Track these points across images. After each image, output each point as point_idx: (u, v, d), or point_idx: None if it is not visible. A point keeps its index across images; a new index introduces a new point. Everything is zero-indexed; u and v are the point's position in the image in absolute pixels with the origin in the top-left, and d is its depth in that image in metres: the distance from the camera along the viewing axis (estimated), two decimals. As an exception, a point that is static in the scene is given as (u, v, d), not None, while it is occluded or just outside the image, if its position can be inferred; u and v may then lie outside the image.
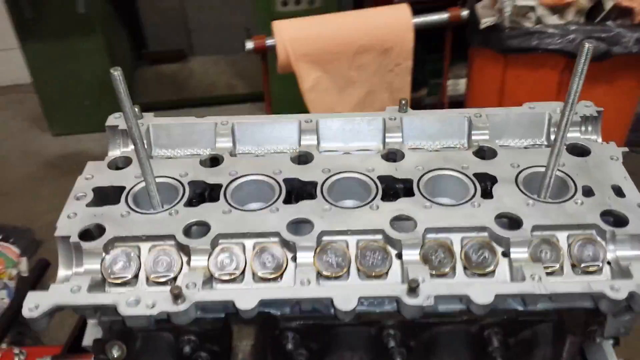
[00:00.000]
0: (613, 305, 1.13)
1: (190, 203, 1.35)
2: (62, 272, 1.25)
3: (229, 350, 1.29)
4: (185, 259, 1.24)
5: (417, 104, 3.24)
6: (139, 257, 1.25)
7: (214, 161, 1.47)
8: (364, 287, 1.17)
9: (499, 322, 1.28)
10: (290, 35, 3.23)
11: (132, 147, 1.51)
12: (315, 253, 1.22)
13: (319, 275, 1.21)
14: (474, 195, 1.32)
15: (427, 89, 5.17)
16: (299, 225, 1.28)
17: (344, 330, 1.30)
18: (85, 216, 1.29)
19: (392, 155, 1.46)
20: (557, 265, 1.21)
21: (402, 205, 1.30)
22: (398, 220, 1.27)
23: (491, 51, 3.46)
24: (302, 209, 1.30)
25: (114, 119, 1.55)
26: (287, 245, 1.24)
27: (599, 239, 1.23)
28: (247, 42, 3.33)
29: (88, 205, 1.32)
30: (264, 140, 1.53)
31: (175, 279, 1.23)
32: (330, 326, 1.29)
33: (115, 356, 1.25)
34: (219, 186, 1.37)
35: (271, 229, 1.25)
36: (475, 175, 1.37)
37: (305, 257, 1.23)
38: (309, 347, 1.31)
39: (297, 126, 1.52)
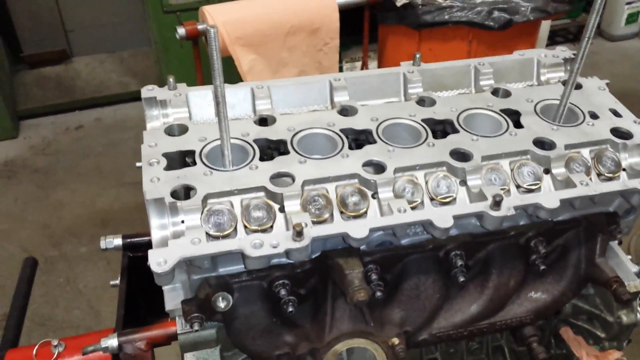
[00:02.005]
0: (645, 200, 1.39)
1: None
2: (157, 233, 1.27)
3: (317, 289, 1.39)
4: (277, 206, 1.32)
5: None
6: (233, 210, 1.30)
7: (264, 122, 1.55)
8: (455, 209, 1.32)
9: (539, 233, 1.50)
10: (224, 19, 3.27)
11: (173, 116, 1.54)
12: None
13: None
14: (507, 128, 1.52)
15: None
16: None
17: (415, 258, 1.45)
18: (168, 179, 1.32)
19: (422, 103, 1.63)
20: (589, 175, 1.46)
21: (456, 141, 1.47)
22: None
23: (406, 28, 3.75)
24: (369, 152, 1.43)
25: (148, 91, 1.56)
26: (366, 183, 1.37)
27: (613, 150, 1.50)
28: (178, 28, 3.31)
29: (166, 169, 1.35)
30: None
31: (272, 226, 1.30)
32: (404, 254, 1.43)
33: (222, 306, 1.30)
34: (283, 142, 1.46)
35: (348, 171, 1.37)
36: (501, 111, 1.58)
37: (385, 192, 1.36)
38: (384, 278, 1.45)
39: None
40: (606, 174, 1.47)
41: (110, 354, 1.51)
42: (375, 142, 1.47)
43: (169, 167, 1.37)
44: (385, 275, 1.44)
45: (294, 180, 1.34)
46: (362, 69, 4.16)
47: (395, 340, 1.39)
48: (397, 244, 1.42)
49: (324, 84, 1.65)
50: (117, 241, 1.73)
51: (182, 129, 1.48)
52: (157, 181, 1.31)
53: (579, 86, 1.69)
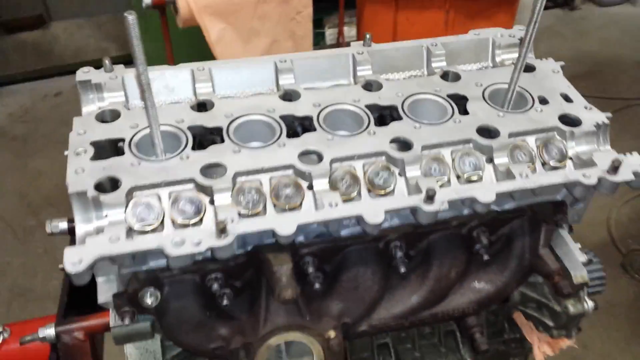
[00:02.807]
0: (586, 190, 1.36)
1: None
2: (81, 228, 1.23)
3: (253, 282, 1.37)
4: (207, 199, 1.28)
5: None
6: (160, 203, 1.26)
7: (203, 107, 1.49)
8: (395, 200, 1.28)
9: (482, 223, 1.47)
10: (191, -13, 3.17)
11: (109, 100, 1.49)
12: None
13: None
14: (452, 114, 1.48)
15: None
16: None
17: (355, 249, 1.42)
18: (94, 170, 1.28)
19: (369, 87, 1.58)
20: (532, 165, 1.42)
21: (399, 129, 1.42)
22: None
23: (383, -4, 3.66)
24: (307, 140, 1.38)
25: (83, 74, 1.51)
26: (302, 175, 1.33)
27: (560, 138, 1.46)
28: (144, -3, 3.22)
29: (92, 159, 1.30)
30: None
31: (201, 220, 1.26)
32: (343, 246, 1.40)
33: (150, 303, 1.27)
34: (219, 129, 1.41)
35: (284, 162, 1.33)
36: (449, 96, 1.53)
37: (321, 184, 1.32)
38: (323, 270, 1.42)
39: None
40: (551, 164, 1.43)
41: (49, 343, 1.50)
42: (316, 129, 1.43)
43: (97, 157, 1.32)
44: (325, 267, 1.42)
45: (226, 171, 1.30)
46: (338, 38, 4.07)
47: (332, 334, 1.37)
48: (336, 235, 1.39)
49: (269, 65, 1.59)
50: (63, 225, 1.69)
51: (114, 115, 1.43)
52: (81, 172, 1.27)
53: (531, 69, 1.63)
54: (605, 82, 5.59)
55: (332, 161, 1.34)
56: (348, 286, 1.43)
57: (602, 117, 1.48)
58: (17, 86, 5.87)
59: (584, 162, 1.42)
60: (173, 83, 1.53)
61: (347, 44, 1.73)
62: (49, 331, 1.47)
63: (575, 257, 1.56)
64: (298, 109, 1.47)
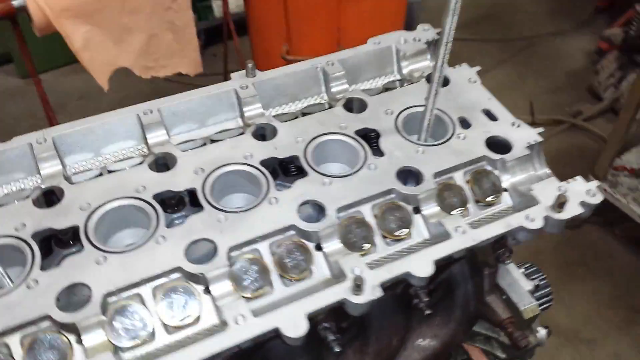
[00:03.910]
0: (531, 234, 1.16)
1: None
2: None
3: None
4: (73, 337, 0.98)
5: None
6: (11, 356, 0.95)
7: (50, 196, 1.17)
8: (309, 303, 1.03)
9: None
10: (41, -11, 2.69)
11: None
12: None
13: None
14: (366, 158, 1.23)
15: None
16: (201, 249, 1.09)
17: (275, 344, 1.17)
18: None
19: (261, 131, 1.30)
20: (465, 207, 1.21)
21: (305, 189, 1.16)
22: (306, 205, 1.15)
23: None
24: (194, 226, 1.10)
25: None
26: (194, 278, 1.05)
27: (491, 168, 1.25)
28: (-13, 7, 2.71)
29: None
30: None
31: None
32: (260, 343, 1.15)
33: None
34: (75, 229, 1.10)
35: (166, 265, 1.04)
36: (357, 132, 1.28)
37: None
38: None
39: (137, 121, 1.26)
40: (485, 200, 1.22)
41: None
42: (201, 206, 1.14)
43: None
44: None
45: (90, 294, 1.00)
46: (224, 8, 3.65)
47: None
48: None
49: (131, 120, 1.27)
50: None
51: None
52: None
53: (445, 82, 1.40)
54: (504, 24, 5.52)
55: (230, 250, 1.07)
56: (273, 386, 1.19)
57: (533, 135, 1.28)
58: None
59: (522, 194, 1.23)
60: (5, 166, 1.19)
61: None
62: None
63: (521, 288, 1.39)
64: (176, 180, 1.18)
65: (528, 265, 1.50)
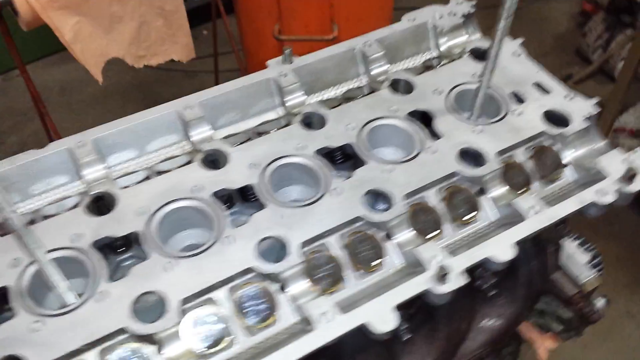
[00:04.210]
0: (602, 209, 1.13)
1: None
2: None
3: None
4: (151, 349, 0.93)
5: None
6: (93, 377, 0.90)
7: (101, 203, 1.10)
8: (393, 295, 0.99)
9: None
10: (25, -19, 2.56)
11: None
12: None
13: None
14: (424, 141, 1.18)
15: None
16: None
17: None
18: (-24, 357, 0.88)
19: (308, 120, 1.24)
20: (530, 185, 1.17)
21: (367, 177, 1.12)
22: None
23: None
24: (259, 224, 1.05)
25: None
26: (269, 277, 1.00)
27: (551, 143, 1.22)
28: (-32, 3, 2.57)
29: (-30, 336, 0.90)
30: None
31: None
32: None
33: None
34: (134, 236, 1.04)
35: (239, 266, 0.99)
36: (410, 114, 1.23)
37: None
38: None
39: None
40: (549, 176, 1.19)
41: None
42: (260, 201, 1.09)
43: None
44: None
45: (164, 303, 0.95)
46: None
47: None
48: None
49: (168, 120, 1.20)
50: None
51: (-18, 251, 1.01)
52: (-41, 365, 0.87)
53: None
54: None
55: (303, 245, 1.03)
56: (346, 383, 1.16)
57: (589, 106, 1.25)
58: None
59: (586, 168, 1.20)
60: (46, 174, 1.12)
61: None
62: None
63: (578, 261, 1.37)
64: (231, 177, 1.12)
65: (576, 236, 1.48)
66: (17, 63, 2.90)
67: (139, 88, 4.50)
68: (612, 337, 3.14)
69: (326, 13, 3.34)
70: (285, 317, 1.00)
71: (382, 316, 0.95)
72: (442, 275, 0.97)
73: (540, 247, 1.27)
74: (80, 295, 0.96)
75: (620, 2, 4.36)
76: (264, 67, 1.28)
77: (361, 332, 1.00)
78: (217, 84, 1.25)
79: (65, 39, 2.71)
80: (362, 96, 1.29)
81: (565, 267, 1.33)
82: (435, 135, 1.20)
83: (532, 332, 1.59)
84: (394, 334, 1.10)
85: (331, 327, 0.94)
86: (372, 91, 1.31)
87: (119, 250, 1.10)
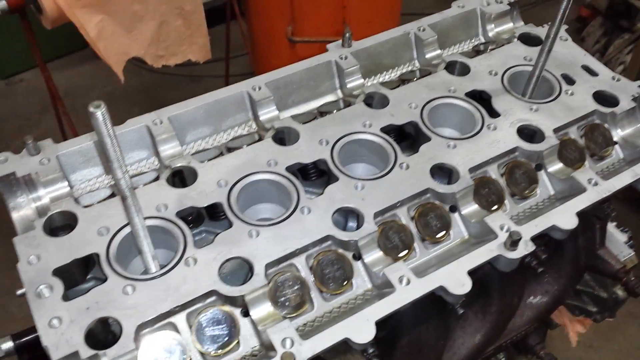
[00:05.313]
0: (656, 180, 1.18)
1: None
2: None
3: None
4: (237, 311, 0.96)
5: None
6: (178, 333, 0.93)
7: (180, 177, 1.14)
8: (467, 261, 1.03)
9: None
10: (53, -21, 2.59)
11: (48, 196, 1.09)
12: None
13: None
14: (482, 120, 1.23)
15: None
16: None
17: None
18: (74, 315, 0.91)
19: (370, 100, 1.29)
20: (583, 162, 1.22)
21: (432, 153, 1.16)
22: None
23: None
24: (334, 196, 1.09)
25: (1, 165, 1.08)
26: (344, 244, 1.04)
27: (601, 122, 1.27)
28: (-1, 1, 2.59)
29: (64, 298, 0.93)
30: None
31: (238, 343, 0.95)
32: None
33: None
34: (217, 206, 1.07)
35: (318, 234, 1.03)
36: (467, 95, 1.28)
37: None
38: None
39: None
40: (599, 154, 1.24)
41: None
42: (332, 175, 1.13)
43: (67, 290, 0.95)
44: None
45: (251, 268, 0.98)
46: None
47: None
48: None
49: (241, 97, 1.24)
50: (7, 345, 1.26)
51: (68, 218, 1.04)
52: (58, 325, 0.89)
53: (537, 41, 1.41)
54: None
55: (375, 216, 1.06)
56: (411, 351, 1.19)
57: (635, 87, 1.30)
58: None
59: (632, 145, 1.25)
60: (123, 149, 1.15)
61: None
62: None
63: (617, 239, 1.42)
64: (302, 153, 1.16)
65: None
66: (38, 61, 2.93)
67: (144, 93, 4.51)
68: (615, 338, 3.20)
69: (339, 14, 3.40)
70: (362, 283, 1.04)
71: (458, 280, 0.99)
72: (513, 241, 1.01)
73: (589, 223, 1.32)
74: (162, 266, 0.98)
75: (618, 6, 4.47)
76: (274, 68, 1.30)
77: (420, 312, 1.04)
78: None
79: (90, 37, 2.74)
80: (418, 78, 1.34)
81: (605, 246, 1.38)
82: (494, 114, 1.25)
83: (564, 317, 1.64)
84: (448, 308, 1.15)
85: (410, 289, 0.98)
86: (426, 74, 1.35)
87: (195, 222, 1.13)
